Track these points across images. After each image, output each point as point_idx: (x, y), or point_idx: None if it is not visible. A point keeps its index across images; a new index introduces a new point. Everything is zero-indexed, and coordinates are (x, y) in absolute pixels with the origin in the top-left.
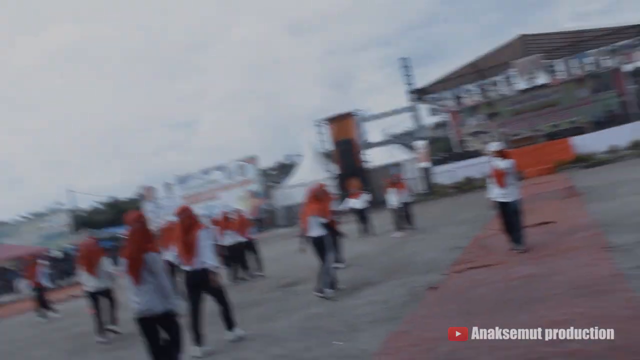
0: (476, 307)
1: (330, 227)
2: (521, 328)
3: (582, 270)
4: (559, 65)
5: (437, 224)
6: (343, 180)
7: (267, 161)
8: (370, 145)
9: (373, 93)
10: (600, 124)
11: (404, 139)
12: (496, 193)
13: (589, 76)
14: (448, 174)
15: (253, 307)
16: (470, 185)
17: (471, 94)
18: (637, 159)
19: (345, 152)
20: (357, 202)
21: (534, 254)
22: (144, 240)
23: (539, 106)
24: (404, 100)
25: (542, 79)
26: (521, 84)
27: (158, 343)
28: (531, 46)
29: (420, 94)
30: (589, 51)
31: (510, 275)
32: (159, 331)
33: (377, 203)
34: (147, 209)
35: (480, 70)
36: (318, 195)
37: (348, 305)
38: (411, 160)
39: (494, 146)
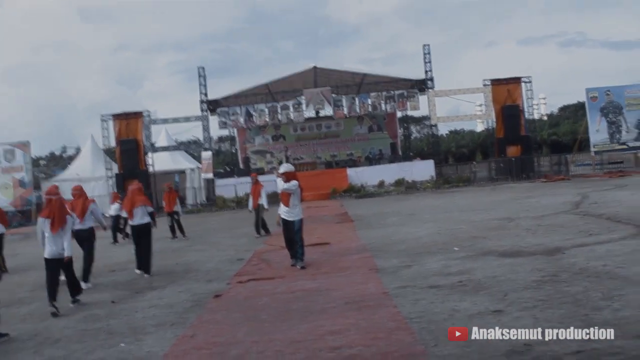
0: (260, 316)
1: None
2: (306, 336)
3: (354, 287)
4: (344, 101)
5: (218, 235)
6: (122, 180)
7: (40, 150)
8: (156, 149)
9: (162, 96)
10: (372, 160)
11: (190, 148)
12: (282, 210)
13: (368, 116)
14: (230, 187)
15: (22, 306)
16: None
17: (260, 114)
18: (400, 195)
19: (129, 152)
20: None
21: (312, 271)
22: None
23: (322, 135)
24: (194, 109)
25: (327, 110)
26: (308, 112)
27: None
28: (322, 79)
29: (212, 106)
30: (370, 94)
31: (291, 288)
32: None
33: (158, 209)
34: None
35: (272, 92)
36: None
37: (130, 308)
38: (195, 170)
39: (282, 167)
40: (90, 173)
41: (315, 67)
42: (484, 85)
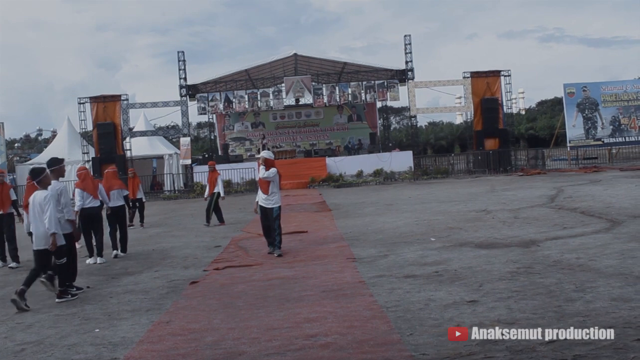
0: (237, 303)
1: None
2: (282, 323)
3: (330, 276)
4: (324, 90)
5: (196, 222)
6: (99, 164)
7: (14, 132)
8: (134, 133)
9: (141, 80)
10: (351, 150)
11: (168, 133)
12: (260, 198)
13: (347, 105)
14: (207, 174)
15: None
16: (228, 188)
17: (240, 100)
18: (378, 185)
19: (106, 135)
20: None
21: (289, 259)
22: None
23: (301, 124)
24: (173, 94)
25: (307, 99)
26: (288, 100)
27: None
28: (302, 66)
29: (191, 91)
30: (350, 83)
31: (268, 275)
32: None
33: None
34: None
35: (252, 79)
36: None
37: (106, 293)
38: (173, 156)
39: (262, 154)
40: (67, 156)
41: (295, 55)
42: (464, 77)
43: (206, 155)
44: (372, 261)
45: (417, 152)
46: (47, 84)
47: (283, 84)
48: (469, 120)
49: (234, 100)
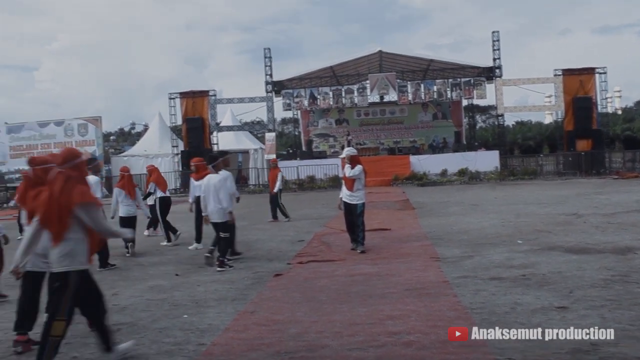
0: (319, 297)
1: None
2: (365, 319)
3: (414, 274)
4: (409, 87)
5: (279, 216)
6: (187, 157)
7: (110, 125)
8: (221, 128)
9: (227, 76)
10: (435, 148)
11: (254, 128)
12: (344, 194)
13: (432, 103)
14: (292, 169)
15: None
16: (312, 184)
17: (325, 97)
18: (462, 185)
19: (195, 130)
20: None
21: (372, 255)
22: None
23: (385, 121)
24: (258, 90)
25: (392, 96)
26: (372, 97)
27: None
28: (387, 63)
29: (276, 87)
30: (436, 80)
31: (351, 271)
32: None
33: None
34: None
35: (336, 75)
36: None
37: (193, 281)
38: (258, 151)
39: (346, 151)
40: (157, 149)
41: (380, 52)
42: (555, 75)
43: (290, 151)
44: (457, 261)
45: (504, 152)
46: (140, 80)
47: (367, 81)
48: (559, 119)
49: (318, 96)
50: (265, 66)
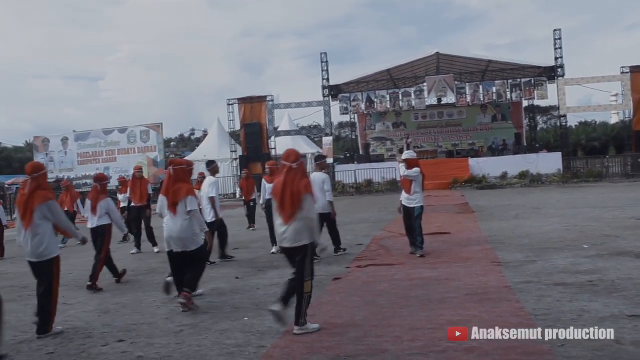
0: (379, 301)
1: None
2: (425, 324)
3: (475, 279)
4: (467, 89)
5: (338, 220)
6: (246, 162)
7: (170, 132)
8: (278, 133)
9: (284, 82)
10: (495, 150)
11: (311, 133)
12: (403, 197)
13: (492, 104)
14: (350, 173)
15: (155, 275)
16: (370, 188)
17: (382, 100)
18: (523, 188)
19: (253, 135)
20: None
21: (432, 260)
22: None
23: (443, 124)
24: (315, 94)
25: (450, 98)
26: (430, 100)
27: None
28: (444, 65)
29: (333, 91)
30: (495, 81)
31: (410, 275)
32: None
33: None
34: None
35: (393, 78)
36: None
37: (253, 285)
38: (315, 155)
39: (405, 154)
40: (216, 155)
41: (438, 53)
42: (622, 73)
43: (348, 155)
44: (519, 266)
45: (567, 154)
46: (199, 87)
47: (425, 84)
48: (627, 119)
49: (375, 100)
50: (322, 71)
